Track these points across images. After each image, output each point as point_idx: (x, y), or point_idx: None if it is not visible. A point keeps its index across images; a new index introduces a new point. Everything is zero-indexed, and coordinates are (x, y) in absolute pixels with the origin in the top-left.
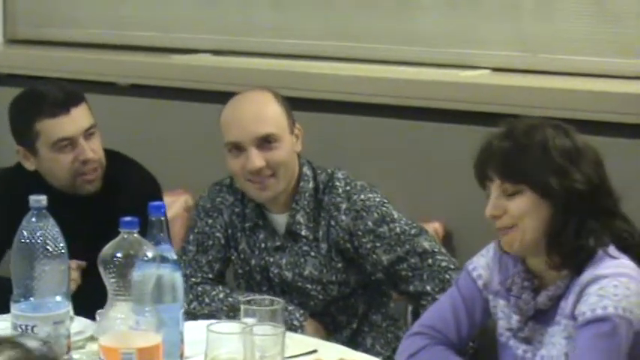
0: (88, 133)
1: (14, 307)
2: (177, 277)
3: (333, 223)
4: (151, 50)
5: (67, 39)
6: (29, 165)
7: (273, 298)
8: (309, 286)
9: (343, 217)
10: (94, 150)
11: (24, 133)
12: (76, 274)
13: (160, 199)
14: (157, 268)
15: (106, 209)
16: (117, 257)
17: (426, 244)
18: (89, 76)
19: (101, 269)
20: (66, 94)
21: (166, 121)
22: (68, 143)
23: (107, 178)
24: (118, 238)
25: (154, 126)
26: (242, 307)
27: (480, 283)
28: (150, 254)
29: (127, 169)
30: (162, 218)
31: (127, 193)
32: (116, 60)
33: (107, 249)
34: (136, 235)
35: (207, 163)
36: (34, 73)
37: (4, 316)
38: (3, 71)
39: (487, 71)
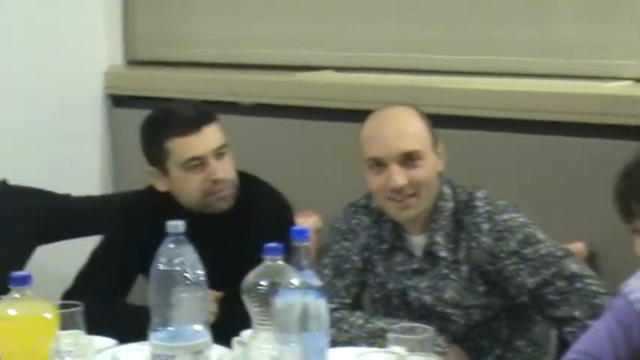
0: (218, 153)
1: (153, 337)
2: (321, 305)
3: (474, 244)
4: (274, 68)
5: (189, 59)
6: (161, 186)
7: (420, 325)
8: (449, 310)
9: (485, 239)
10: (225, 170)
11: (155, 153)
12: (213, 307)
13: (292, 221)
14: (302, 295)
15: (237, 231)
16: (261, 285)
17: (574, 267)
18: (211, 96)
19: (244, 298)
20: (197, 112)
21: (291, 141)
22: (199, 163)
23: (238, 200)
24: (261, 266)
25: (278, 145)
26: (389, 335)
27: (638, 306)
28: (294, 282)
29: (257, 190)
30: (306, 244)
31: (258, 215)
32: (238, 79)
33: (251, 277)
34: (280, 262)
35: (336, 183)
36: (155, 94)
37: (138, 344)
38: (124, 93)
39: (630, 82)
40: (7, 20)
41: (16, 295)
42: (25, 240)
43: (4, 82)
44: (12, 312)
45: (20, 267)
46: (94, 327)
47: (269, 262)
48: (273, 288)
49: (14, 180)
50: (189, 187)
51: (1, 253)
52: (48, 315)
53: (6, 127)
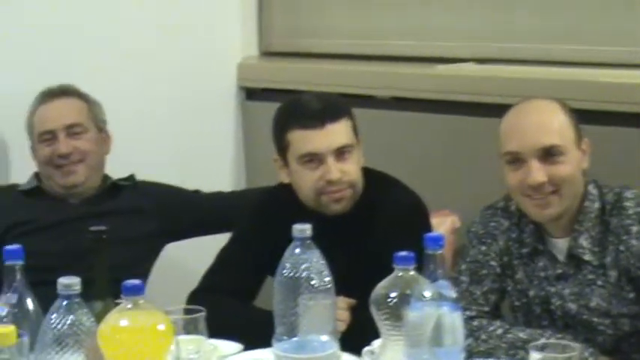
0: (340, 152)
1: (277, 347)
2: (456, 318)
3: (622, 248)
4: (412, 60)
5: (324, 50)
6: (284, 177)
7: (565, 342)
8: (595, 319)
9: (634, 242)
10: (344, 171)
11: (278, 142)
12: (345, 315)
13: (427, 222)
14: (436, 308)
15: (365, 234)
16: (391, 297)
17: None
18: (346, 89)
19: (373, 309)
20: (325, 107)
21: (429, 136)
22: (315, 159)
23: (363, 199)
24: (391, 276)
25: (416, 141)
26: (533, 353)
27: None
28: (427, 293)
29: (389, 189)
30: (441, 252)
31: (389, 216)
32: (375, 71)
33: (380, 288)
34: (411, 272)
35: (476, 181)
36: (289, 87)
37: (265, 351)
38: (257, 85)
39: None
40: (146, 10)
41: (129, 305)
42: (153, 237)
43: (140, 73)
44: (124, 323)
45: (149, 264)
46: (220, 329)
47: (400, 273)
48: (404, 300)
49: (145, 174)
50: (303, 183)
51: (130, 249)
52: (162, 327)
53: (138, 119)
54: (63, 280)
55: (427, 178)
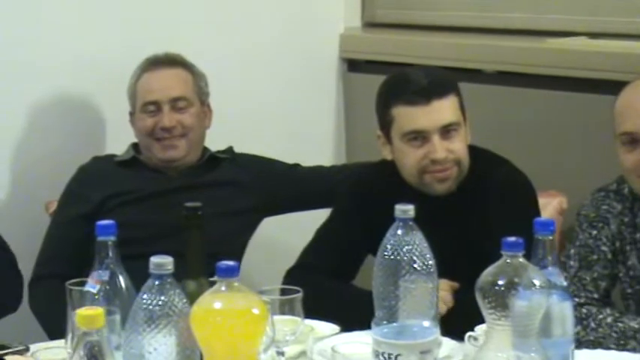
0: (446, 130)
1: (376, 332)
2: (566, 308)
3: None
4: (520, 33)
5: (428, 22)
6: (387, 153)
7: None
8: None
9: None
10: (449, 150)
11: (383, 118)
12: (448, 298)
13: (534, 203)
14: (545, 297)
15: (469, 215)
16: (498, 285)
17: None
18: (451, 63)
19: (478, 297)
20: (432, 82)
21: (537, 112)
22: (420, 137)
23: (468, 178)
24: (499, 262)
25: (523, 117)
26: None
27: None
28: (537, 281)
29: (493, 168)
30: (551, 237)
31: (491, 196)
32: (481, 44)
33: (486, 275)
34: (520, 258)
35: (584, 160)
36: (392, 59)
37: (362, 333)
38: (360, 57)
39: None
40: None
41: (223, 287)
42: (251, 210)
43: (242, 44)
44: (217, 305)
45: (245, 238)
46: (317, 309)
47: (508, 259)
48: (512, 288)
49: (245, 147)
50: (406, 161)
51: (227, 223)
52: (256, 310)
53: (240, 91)
54: (155, 260)
55: (533, 157)
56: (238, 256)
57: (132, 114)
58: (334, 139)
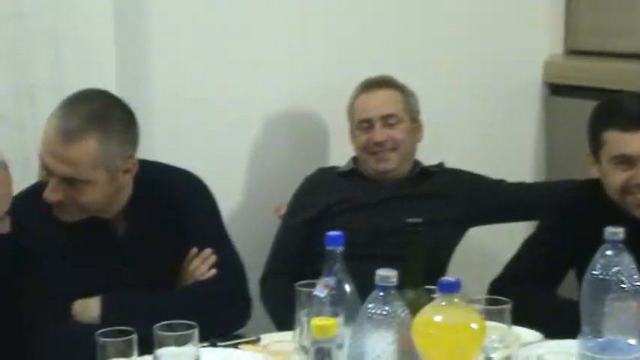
0: None
1: (582, 345)
2: None
3: None
4: None
5: (631, 50)
6: (594, 172)
7: None
8: None
9: None
10: None
11: (593, 139)
12: None
13: None
14: None
15: None
16: None
17: None
18: None
19: None
20: None
21: None
22: (627, 161)
23: None
24: None
25: None
26: None
27: None
28: None
29: None
30: None
31: None
32: None
33: None
34: None
35: None
36: (594, 85)
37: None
38: (562, 82)
39: None
40: (462, 6)
41: (443, 302)
42: (458, 221)
43: (451, 65)
44: (437, 319)
45: (451, 247)
46: (522, 318)
47: None
48: None
49: (452, 160)
50: (611, 183)
51: (437, 231)
52: (474, 325)
53: (447, 108)
54: (381, 272)
55: None
56: (444, 264)
57: (350, 130)
58: (534, 156)
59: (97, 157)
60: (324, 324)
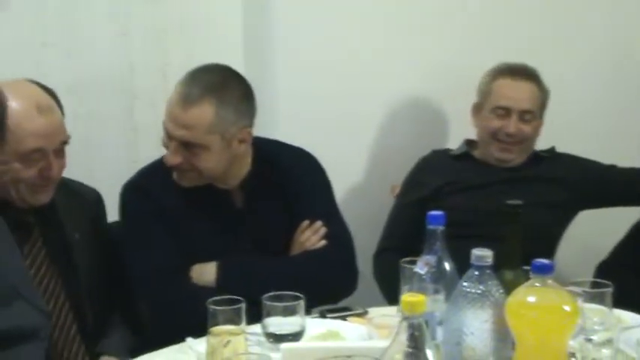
0: None
1: None
2: None
3: None
4: None
5: None
6: None
7: None
8: None
9: None
10: None
11: None
12: None
13: None
14: None
15: None
16: None
17: None
18: None
19: None
20: None
21: None
22: None
23: None
24: None
25: None
26: None
27: None
28: None
29: None
30: None
31: None
32: None
33: None
34: None
35: None
36: None
37: None
38: None
39: None
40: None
41: (537, 283)
42: (567, 205)
43: (585, 58)
44: (531, 300)
45: (561, 229)
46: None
47: None
48: None
49: (569, 148)
50: None
51: (547, 213)
52: (567, 308)
53: (571, 103)
54: (477, 252)
55: None
56: (552, 246)
57: (477, 107)
58: None
59: (212, 122)
60: (414, 300)
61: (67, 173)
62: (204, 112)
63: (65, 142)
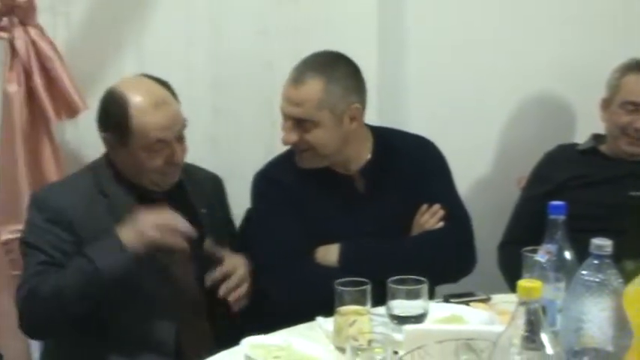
0: None
1: None
2: None
3: None
4: None
5: None
6: None
7: None
8: None
9: None
10: None
11: None
12: None
13: None
14: None
15: None
16: None
17: None
18: None
19: None
20: None
21: None
22: None
23: None
24: None
25: None
26: None
27: None
28: None
29: None
30: None
31: None
32: None
33: None
34: None
35: None
36: None
37: None
38: None
39: None
40: None
41: None
42: None
43: None
44: None
45: None
46: None
47: None
48: None
49: None
50: None
51: None
52: None
53: None
54: (596, 242)
55: None
56: None
57: (606, 102)
58: None
59: (321, 98)
60: (530, 285)
61: (209, 168)
62: (314, 88)
63: (184, 127)
